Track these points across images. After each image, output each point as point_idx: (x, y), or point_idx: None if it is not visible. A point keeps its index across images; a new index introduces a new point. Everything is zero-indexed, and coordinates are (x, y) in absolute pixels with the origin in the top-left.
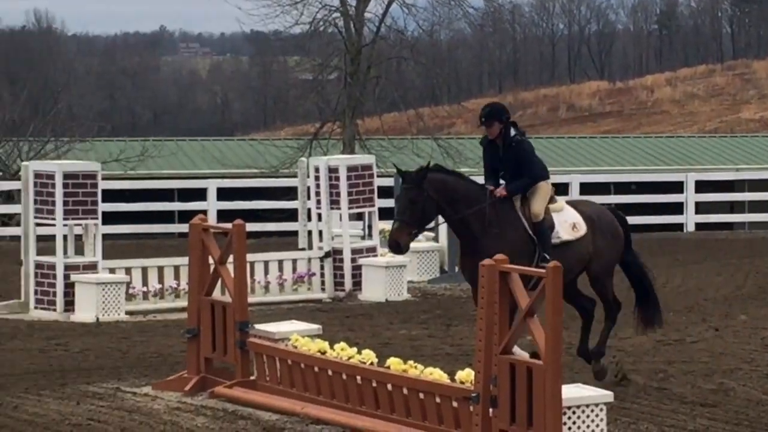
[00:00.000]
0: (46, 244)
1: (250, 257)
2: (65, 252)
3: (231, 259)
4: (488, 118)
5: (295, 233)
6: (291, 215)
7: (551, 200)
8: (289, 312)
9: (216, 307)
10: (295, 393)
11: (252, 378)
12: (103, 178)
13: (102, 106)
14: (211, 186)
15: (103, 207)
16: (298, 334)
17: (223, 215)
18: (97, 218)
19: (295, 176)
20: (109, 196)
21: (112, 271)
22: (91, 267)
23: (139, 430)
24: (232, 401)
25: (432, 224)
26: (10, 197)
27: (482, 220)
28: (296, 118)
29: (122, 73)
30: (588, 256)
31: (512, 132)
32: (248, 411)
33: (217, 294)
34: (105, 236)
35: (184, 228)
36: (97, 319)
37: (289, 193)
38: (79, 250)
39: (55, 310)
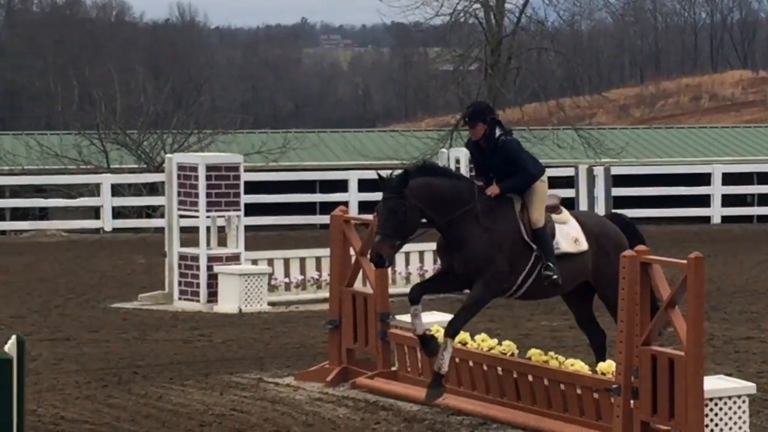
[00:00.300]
0: (189, 235)
1: None
2: (208, 243)
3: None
4: (471, 118)
5: None
6: None
7: (556, 210)
8: (430, 303)
9: (357, 298)
10: None
11: (393, 369)
12: (245, 170)
13: (244, 98)
14: (352, 177)
15: (246, 198)
16: (438, 325)
17: (364, 206)
18: (239, 210)
19: None
20: (252, 187)
21: (254, 262)
22: (234, 258)
23: (282, 421)
24: (374, 392)
25: (419, 232)
26: (154, 189)
27: (472, 220)
28: (437, 109)
29: (264, 65)
30: (584, 273)
31: (497, 132)
32: (389, 402)
33: (358, 285)
34: (247, 228)
35: (325, 219)
36: (240, 310)
37: None
38: (222, 242)
39: (198, 301)
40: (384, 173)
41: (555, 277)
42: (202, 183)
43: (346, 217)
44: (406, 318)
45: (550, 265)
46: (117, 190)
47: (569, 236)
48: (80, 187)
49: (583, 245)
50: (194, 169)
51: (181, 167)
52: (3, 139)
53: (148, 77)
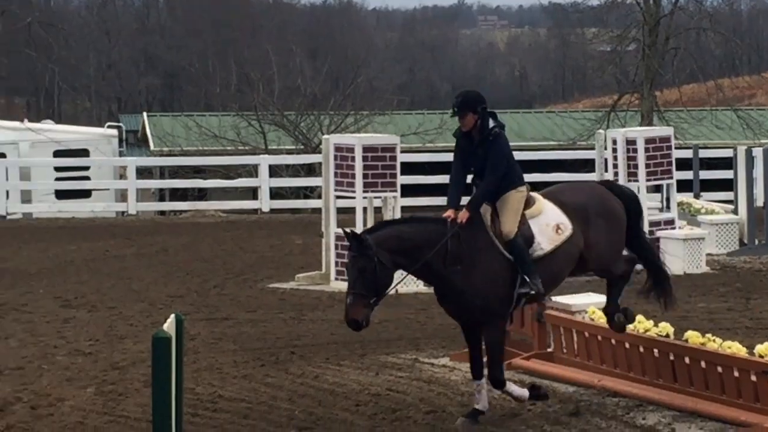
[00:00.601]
0: (346, 216)
1: None
2: (365, 224)
3: None
4: (460, 108)
5: None
6: None
7: (527, 204)
8: (587, 284)
9: None
10: (592, 365)
11: (549, 350)
12: (401, 151)
13: (401, 79)
14: None
15: (402, 179)
16: (595, 307)
17: None
18: (395, 191)
19: (592, 148)
20: (408, 168)
21: None
22: None
23: (437, 401)
24: (530, 373)
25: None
26: (312, 170)
27: (447, 258)
28: (594, 90)
29: (421, 47)
30: (578, 253)
31: (491, 123)
32: (545, 382)
33: None
34: (404, 208)
35: None
36: (396, 290)
37: (587, 165)
38: None
39: None
40: (349, 230)
41: (532, 292)
42: (358, 164)
43: None
44: (563, 299)
45: (526, 279)
46: (275, 170)
47: (549, 227)
48: (238, 168)
49: (567, 229)
50: (351, 150)
51: (338, 148)
52: (163, 121)
53: (306, 59)
